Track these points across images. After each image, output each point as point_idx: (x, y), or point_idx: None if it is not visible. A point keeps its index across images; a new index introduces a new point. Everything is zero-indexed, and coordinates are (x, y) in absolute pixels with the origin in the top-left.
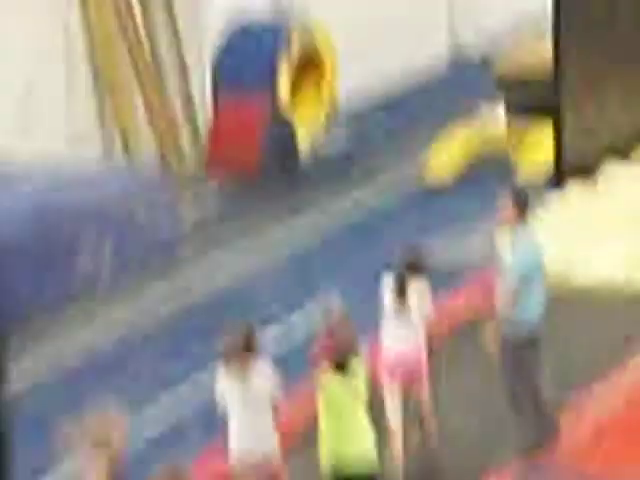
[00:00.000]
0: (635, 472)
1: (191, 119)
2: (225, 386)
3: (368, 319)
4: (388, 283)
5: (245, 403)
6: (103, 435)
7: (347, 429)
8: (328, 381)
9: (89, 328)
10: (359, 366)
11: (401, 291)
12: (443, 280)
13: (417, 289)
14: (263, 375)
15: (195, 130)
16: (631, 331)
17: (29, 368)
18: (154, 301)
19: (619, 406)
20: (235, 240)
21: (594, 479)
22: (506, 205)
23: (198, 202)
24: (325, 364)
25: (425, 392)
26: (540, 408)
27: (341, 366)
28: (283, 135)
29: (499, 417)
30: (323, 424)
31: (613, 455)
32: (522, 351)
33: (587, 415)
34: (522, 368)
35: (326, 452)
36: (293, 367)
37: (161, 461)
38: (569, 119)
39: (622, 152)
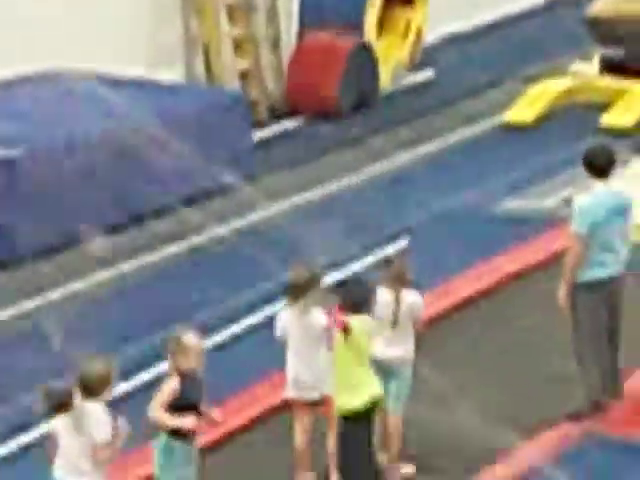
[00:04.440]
0: None
1: (276, 57)
2: (287, 321)
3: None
4: None
5: (302, 338)
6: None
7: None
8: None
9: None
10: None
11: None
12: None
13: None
14: (320, 312)
15: (279, 68)
16: None
17: None
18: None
19: None
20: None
21: None
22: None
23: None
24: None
25: None
26: (605, 370)
27: (346, 329)
28: (365, 71)
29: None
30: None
31: None
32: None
33: None
34: (592, 325)
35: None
36: None
37: None
38: None
39: None
